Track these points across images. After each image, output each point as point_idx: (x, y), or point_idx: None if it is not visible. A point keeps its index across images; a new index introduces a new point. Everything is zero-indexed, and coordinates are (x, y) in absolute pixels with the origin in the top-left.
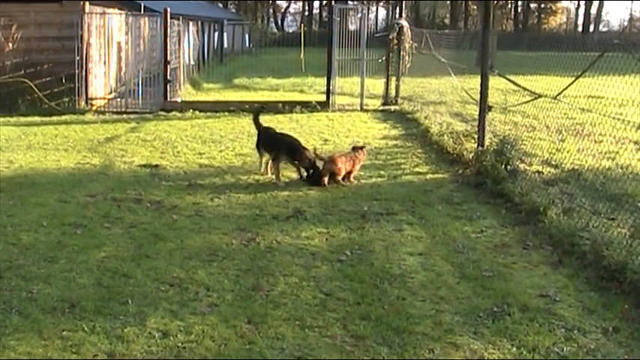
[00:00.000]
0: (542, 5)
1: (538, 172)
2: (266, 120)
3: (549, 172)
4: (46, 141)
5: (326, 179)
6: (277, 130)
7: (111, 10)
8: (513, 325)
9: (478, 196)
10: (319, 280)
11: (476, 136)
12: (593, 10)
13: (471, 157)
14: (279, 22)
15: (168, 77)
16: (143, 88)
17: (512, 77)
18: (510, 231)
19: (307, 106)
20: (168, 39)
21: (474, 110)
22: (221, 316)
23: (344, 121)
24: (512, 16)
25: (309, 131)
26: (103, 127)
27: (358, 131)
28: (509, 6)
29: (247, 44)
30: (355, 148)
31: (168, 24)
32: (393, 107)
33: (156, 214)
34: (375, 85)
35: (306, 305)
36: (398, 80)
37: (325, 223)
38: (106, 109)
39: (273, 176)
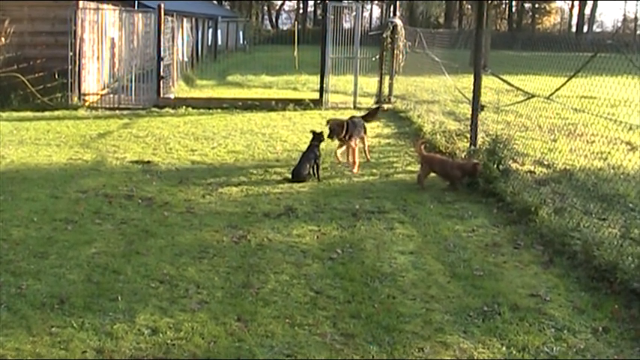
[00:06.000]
0: (537, 5)
1: (530, 171)
2: (259, 117)
3: (541, 171)
4: (38, 136)
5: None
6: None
7: (105, 6)
8: (503, 324)
9: (470, 195)
10: (310, 278)
11: (468, 136)
12: (587, 11)
13: (463, 156)
14: (274, 19)
15: (162, 74)
16: (136, 85)
17: (505, 77)
18: (502, 230)
19: (300, 104)
20: (162, 35)
21: (466, 109)
22: (211, 314)
23: None
24: (507, 16)
25: (301, 129)
26: (96, 123)
27: None
28: (504, 6)
29: (241, 41)
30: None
31: (162, 20)
32: (386, 106)
33: (147, 211)
34: (369, 83)
35: (297, 303)
36: (391, 79)
37: (316, 221)
38: (99, 105)
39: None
